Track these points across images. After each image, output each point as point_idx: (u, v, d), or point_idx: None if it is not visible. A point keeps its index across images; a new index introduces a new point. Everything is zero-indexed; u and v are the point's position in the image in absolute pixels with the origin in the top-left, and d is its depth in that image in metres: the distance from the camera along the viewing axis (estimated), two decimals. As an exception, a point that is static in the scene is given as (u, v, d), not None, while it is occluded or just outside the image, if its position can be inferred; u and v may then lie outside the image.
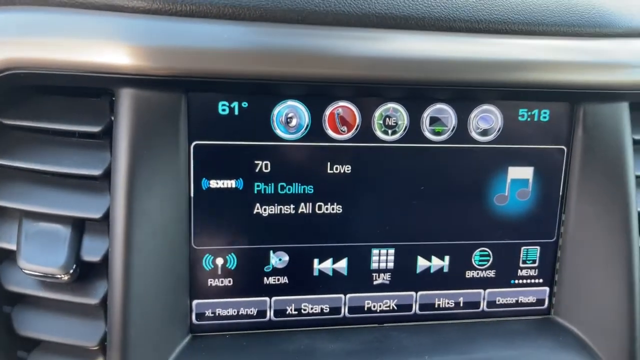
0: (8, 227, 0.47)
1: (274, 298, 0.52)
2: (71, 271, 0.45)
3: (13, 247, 0.46)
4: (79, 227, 0.47)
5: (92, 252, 0.46)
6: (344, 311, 0.53)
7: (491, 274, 0.55)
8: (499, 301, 0.56)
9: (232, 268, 0.51)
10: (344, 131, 0.50)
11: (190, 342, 0.50)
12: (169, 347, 0.49)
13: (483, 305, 0.56)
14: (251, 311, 0.52)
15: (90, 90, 0.47)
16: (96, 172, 0.46)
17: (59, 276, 0.45)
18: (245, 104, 0.48)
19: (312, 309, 0.53)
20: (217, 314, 0.51)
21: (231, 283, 0.51)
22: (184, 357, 0.49)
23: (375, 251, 0.53)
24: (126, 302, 0.45)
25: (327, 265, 0.52)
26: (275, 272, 0.51)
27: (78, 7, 0.45)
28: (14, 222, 0.47)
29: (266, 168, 0.49)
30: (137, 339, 0.46)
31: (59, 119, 0.47)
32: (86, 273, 0.47)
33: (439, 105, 0.51)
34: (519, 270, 0.56)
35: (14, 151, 0.47)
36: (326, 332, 0.53)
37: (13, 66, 0.43)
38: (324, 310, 0.53)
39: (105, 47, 0.43)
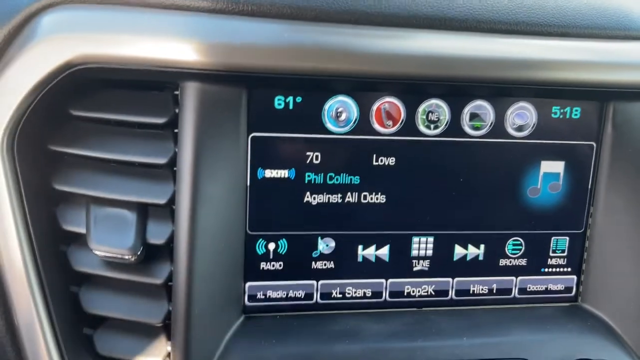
0: (76, 212, 0.50)
1: (320, 282, 0.55)
2: (138, 253, 0.48)
3: (82, 230, 0.50)
4: (143, 212, 0.50)
5: (156, 235, 0.49)
6: (385, 295, 0.57)
7: (523, 262, 0.59)
8: (529, 288, 0.59)
9: (283, 253, 0.54)
10: (389, 125, 0.53)
11: (244, 322, 0.53)
12: (225, 326, 0.52)
13: (515, 292, 0.59)
14: (299, 294, 0.55)
15: (154, 84, 0.50)
16: (161, 160, 0.49)
17: (127, 257, 0.48)
18: (299, 99, 0.51)
19: (355, 292, 0.56)
20: (267, 296, 0.55)
21: (281, 267, 0.54)
22: (239, 336, 0.52)
23: (415, 239, 0.56)
24: (190, 282, 0.48)
25: (371, 252, 0.55)
26: (323, 257, 0.55)
27: (147, 6, 0.48)
28: (81, 207, 0.50)
29: (316, 159, 0.53)
30: (199, 318, 0.49)
31: (125, 110, 0.50)
32: (150, 255, 0.50)
33: (478, 102, 0.54)
34: (549, 259, 0.59)
35: (82, 141, 0.50)
36: (369, 314, 0.56)
37: (87, 61, 0.46)
38: (367, 294, 0.56)
39: (173, 43, 0.46)
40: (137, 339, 0.51)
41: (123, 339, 0.51)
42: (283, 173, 0.52)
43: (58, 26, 0.46)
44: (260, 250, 0.54)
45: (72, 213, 0.50)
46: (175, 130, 0.49)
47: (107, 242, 0.48)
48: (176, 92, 0.50)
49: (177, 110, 0.49)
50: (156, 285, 0.50)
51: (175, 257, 0.48)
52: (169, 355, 0.50)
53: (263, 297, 0.55)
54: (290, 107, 0.51)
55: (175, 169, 0.49)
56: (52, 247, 0.50)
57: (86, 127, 0.50)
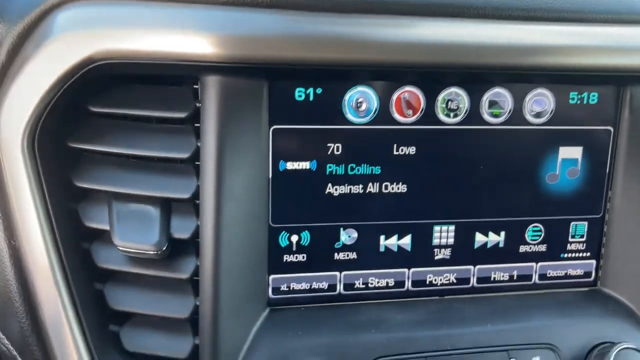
0: (98, 209, 0.50)
1: (343, 272, 0.55)
2: (164, 248, 0.48)
3: (105, 227, 0.49)
4: (166, 207, 0.50)
5: (181, 230, 0.49)
6: (408, 285, 0.57)
7: (542, 248, 0.59)
8: (549, 274, 0.60)
9: (306, 244, 0.54)
10: (409, 114, 0.53)
11: (269, 315, 0.53)
12: (251, 319, 0.52)
13: (535, 278, 0.59)
14: (322, 285, 0.55)
15: (172, 79, 0.50)
16: (183, 155, 0.49)
17: (152, 252, 0.48)
18: (319, 90, 0.51)
19: (378, 282, 0.56)
20: (291, 288, 0.55)
21: (304, 258, 0.54)
22: (265, 329, 0.52)
23: (437, 228, 0.56)
24: (216, 276, 0.48)
25: (393, 242, 0.56)
26: (345, 248, 0.55)
27: (166, 0, 0.47)
28: (103, 204, 0.50)
29: (337, 150, 0.53)
30: (226, 312, 0.49)
31: (145, 106, 0.49)
32: (174, 250, 0.50)
33: (497, 90, 0.54)
34: (568, 245, 0.59)
35: (102, 137, 0.50)
36: (392, 304, 0.56)
37: (108, 57, 0.46)
38: (389, 284, 0.56)
39: (193, 37, 0.46)
40: (163, 334, 0.51)
41: (150, 335, 0.51)
42: (305, 165, 0.52)
43: (75, 22, 0.46)
44: (283, 242, 0.54)
45: (94, 210, 0.50)
46: (196, 125, 0.49)
47: (132, 239, 0.48)
48: (195, 86, 0.49)
49: (197, 104, 0.49)
50: (181, 280, 0.50)
51: (201, 252, 0.48)
52: (195, 348, 0.50)
53: (287, 289, 0.55)
54: (311, 98, 0.51)
55: (197, 163, 0.49)
56: (75, 244, 0.50)
57: (106, 124, 0.50)
